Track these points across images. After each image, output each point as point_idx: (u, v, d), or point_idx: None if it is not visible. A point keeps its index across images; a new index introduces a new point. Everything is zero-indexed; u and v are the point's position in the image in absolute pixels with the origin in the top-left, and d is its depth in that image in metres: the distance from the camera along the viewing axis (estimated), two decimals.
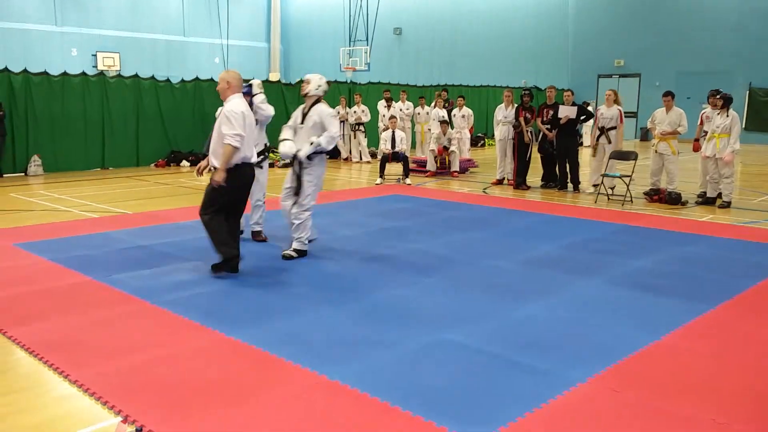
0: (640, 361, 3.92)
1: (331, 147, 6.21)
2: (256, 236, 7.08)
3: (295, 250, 6.27)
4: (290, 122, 6.43)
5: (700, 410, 3.29)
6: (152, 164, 14.57)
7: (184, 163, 14.61)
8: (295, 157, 6.19)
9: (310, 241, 6.45)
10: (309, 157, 6.14)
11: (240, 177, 5.56)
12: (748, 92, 21.47)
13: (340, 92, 17.32)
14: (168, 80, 15.19)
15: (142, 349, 3.99)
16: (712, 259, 6.41)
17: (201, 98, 15.39)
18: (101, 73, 15.29)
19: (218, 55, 28.53)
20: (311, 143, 6.11)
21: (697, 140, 10.25)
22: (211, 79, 15.88)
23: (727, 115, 9.42)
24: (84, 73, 13.99)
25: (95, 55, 25.71)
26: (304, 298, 5.08)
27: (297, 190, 6.22)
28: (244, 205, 5.82)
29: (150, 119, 14.61)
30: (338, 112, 16.03)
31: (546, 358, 3.94)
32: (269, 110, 6.78)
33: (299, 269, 5.90)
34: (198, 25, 29.36)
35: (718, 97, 9.66)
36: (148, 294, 5.08)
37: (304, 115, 6.26)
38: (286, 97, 16.76)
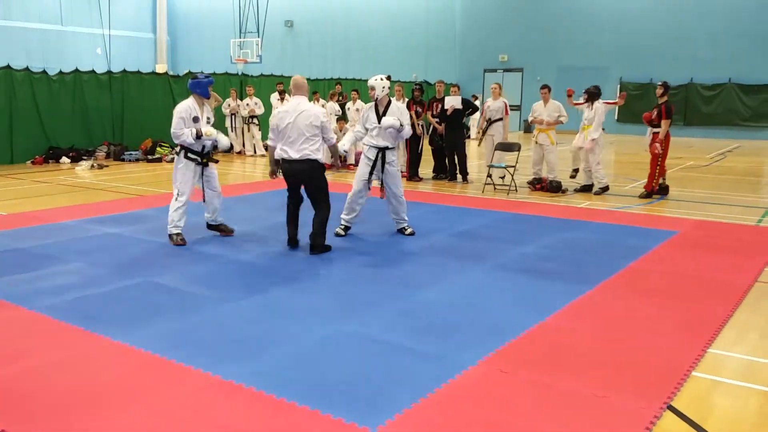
0: (527, 341, 4.12)
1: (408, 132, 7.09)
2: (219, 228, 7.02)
3: (406, 228, 7.12)
4: (359, 126, 7.09)
5: (582, 385, 3.50)
6: (28, 161, 13.59)
7: (64, 159, 13.73)
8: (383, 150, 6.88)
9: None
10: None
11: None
12: (619, 86, 22.99)
13: (231, 84, 16.91)
14: (44, 72, 14.20)
15: (19, 359, 3.74)
16: (592, 243, 6.82)
17: (81, 91, 14.53)
18: None
19: (100, 45, 26.99)
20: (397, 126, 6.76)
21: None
22: (93, 71, 15.03)
23: (592, 108, 10.08)
24: None
25: None
26: (195, 296, 4.93)
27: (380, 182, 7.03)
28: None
29: (25, 114, 13.57)
30: (228, 105, 15.71)
31: (439, 343, 4.05)
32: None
33: (189, 267, 5.72)
34: (77, 13, 27.61)
35: (583, 92, 10.32)
36: (24, 300, 4.75)
37: (381, 116, 6.85)
38: (174, 89, 16.15)
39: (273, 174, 6.53)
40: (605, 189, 10.14)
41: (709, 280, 5.53)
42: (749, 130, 21.54)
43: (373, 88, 6.86)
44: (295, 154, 6.09)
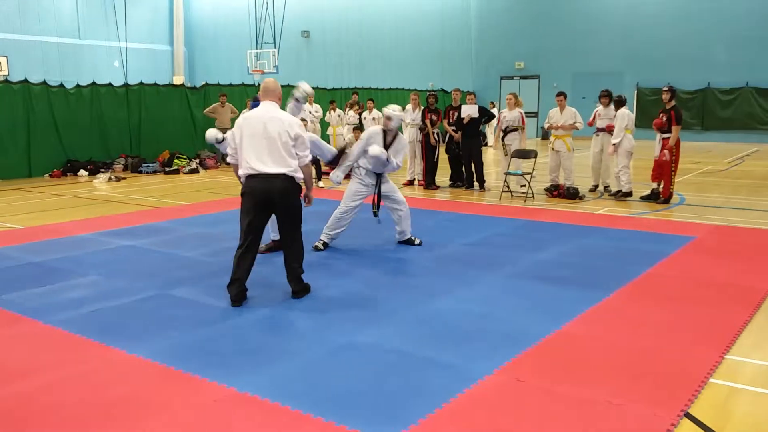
0: (543, 349, 4.09)
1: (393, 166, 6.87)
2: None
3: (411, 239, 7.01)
4: (358, 150, 6.85)
5: (598, 393, 3.47)
6: (46, 174, 13.79)
7: (82, 172, 13.92)
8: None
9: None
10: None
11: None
12: (636, 92, 22.84)
13: (248, 95, 17.02)
14: (62, 85, 14.44)
15: (35, 373, 3.77)
16: (608, 249, 6.77)
17: (99, 104, 14.74)
18: None
19: (117, 58, 27.35)
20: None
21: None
22: (110, 84, 15.23)
23: (615, 113, 10.07)
24: None
25: None
26: (210, 308, 4.94)
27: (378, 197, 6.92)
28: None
29: (42, 127, 13.80)
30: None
31: (455, 352, 4.04)
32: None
33: (204, 279, 5.74)
34: (94, 27, 28.02)
35: (614, 98, 10.32)
36: (40, 313, 4.80)
37: (389, 145, 6.80)
38: (191, 101, 16.32)
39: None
40: (628, 194, 10.05)
41: (726, 285, 5.45)
42: (767, 134, 21.28)
43: (390, 119, 6.78)
44: (269, 169, 4.84)
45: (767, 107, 21.30)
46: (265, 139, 4.85)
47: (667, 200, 9.65)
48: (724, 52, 21.59)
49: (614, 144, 9.94)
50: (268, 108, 4.98)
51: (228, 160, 5.47)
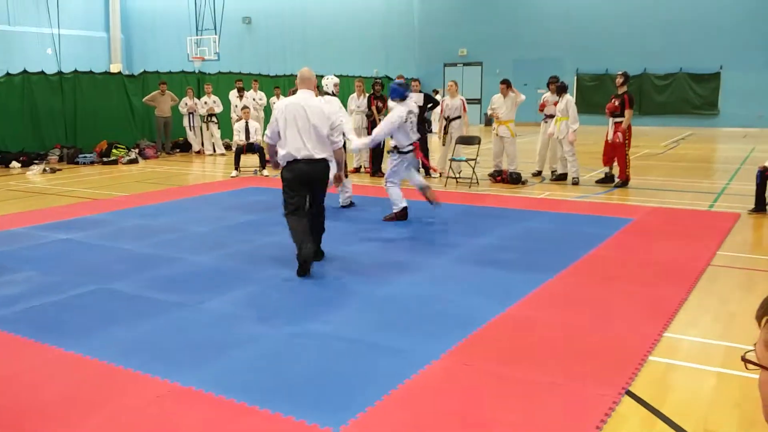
0: (488, 332, 4.14)
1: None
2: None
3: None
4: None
5: (542, 374, 3.53)
6: None
7: (14, 164, 13.32)
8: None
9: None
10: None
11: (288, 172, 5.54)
12: (576, 78, 23.34)
13: (188, 83, 16.60)
14: None
15: None
16: (550, 232, 6.91)
17: (31, 93, 14.10)
18: None
19: (50, 45, 26.23)
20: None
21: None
22: (42, 72, 14.60)
23: (562, 101, 10.26)
24: None
25: None
26: (152, 302, 4.81)
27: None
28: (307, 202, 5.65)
29: None
30: (186, 104, 15.44)
31: (402, 338, 4.05)
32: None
33: (145, 272, 5.59)
34: (25, 12, 26.79)
35: (557, 84, 10.49)
36: None
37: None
38: (129, 89, 15.80)
39: (277, 166, 5.76)
40: (577, 181, 10.26)
41: (663, 265, 5.64)
42: (701, 118, 22.12)
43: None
44: (314, 154, 5.40)
45: (700, 92, 22.13)
46: (309, 126, 5.39)
47: (625, 183, 9.86)
48: (658, 39, 22.27)
49: (574, 130, 10.08)
50: (306, 96, 5.52)
51: (265, 140, 5.81)
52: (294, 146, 5.38)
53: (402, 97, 7.31)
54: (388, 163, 7.54)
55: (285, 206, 5.55)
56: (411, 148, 7.48)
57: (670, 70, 22.38)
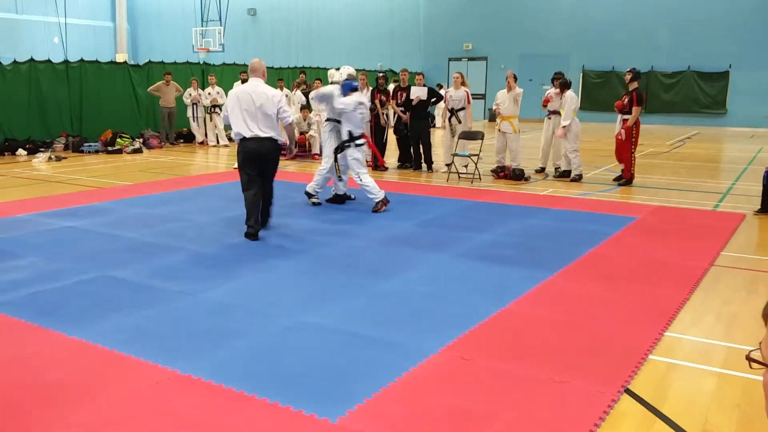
0: (488, 328, 4.14)
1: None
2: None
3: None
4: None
5: (541, 370, 3.53)
6: None
7: (21, 151, 13.35)
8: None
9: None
10: None
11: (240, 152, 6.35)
12: (581, 74, 23.25)
13: (192, 73, 16.60)
14: None
15: None
16: (552, 230, 6.89)
17: (38, 81, 14.11)
18: None
19: (56, 34, 26.23)
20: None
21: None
22: (48, 61, 14.61)
23: (562, 97, 10.22)
24: None
25: None
26: (153, 290, 4.82)
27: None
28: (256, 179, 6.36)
29: None
30: (190, 95, 15.44)
31: (401, 332, 4.05)
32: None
33: (147, 260, 5.60)
34: (31, 1, 26.77)
35: (560, 80, 10.46)
36: None
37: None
38: (134, 79, 15.81)
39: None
40: (579, 178, 10.23)
41: (666, 264, 5.63)
42: (708, 117, 22.00)
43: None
44: (261, 132, 6.19)
45: (708, 91, 21.99)
46: (255, 109, 6.18)
47: (629, 181, 9.83)
48: (666, 36, 22.13)
49: (564, 126, 10.08)
50: (255, 83, 6.35)
51: (223, 120, 6.95)
52: (243, 126, 6.19)
53: (353, 89, 7.93)
54: (347, 154, 7.87)
55: (241, 184, 6.35)
56: (363, 141, 8.02)
57: (678, 68, 22.24)
